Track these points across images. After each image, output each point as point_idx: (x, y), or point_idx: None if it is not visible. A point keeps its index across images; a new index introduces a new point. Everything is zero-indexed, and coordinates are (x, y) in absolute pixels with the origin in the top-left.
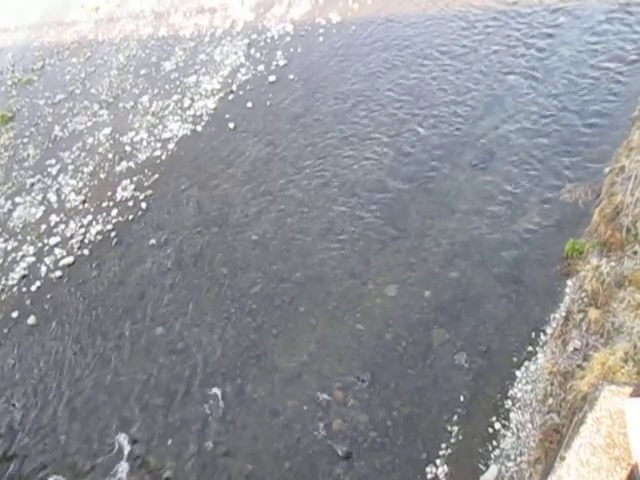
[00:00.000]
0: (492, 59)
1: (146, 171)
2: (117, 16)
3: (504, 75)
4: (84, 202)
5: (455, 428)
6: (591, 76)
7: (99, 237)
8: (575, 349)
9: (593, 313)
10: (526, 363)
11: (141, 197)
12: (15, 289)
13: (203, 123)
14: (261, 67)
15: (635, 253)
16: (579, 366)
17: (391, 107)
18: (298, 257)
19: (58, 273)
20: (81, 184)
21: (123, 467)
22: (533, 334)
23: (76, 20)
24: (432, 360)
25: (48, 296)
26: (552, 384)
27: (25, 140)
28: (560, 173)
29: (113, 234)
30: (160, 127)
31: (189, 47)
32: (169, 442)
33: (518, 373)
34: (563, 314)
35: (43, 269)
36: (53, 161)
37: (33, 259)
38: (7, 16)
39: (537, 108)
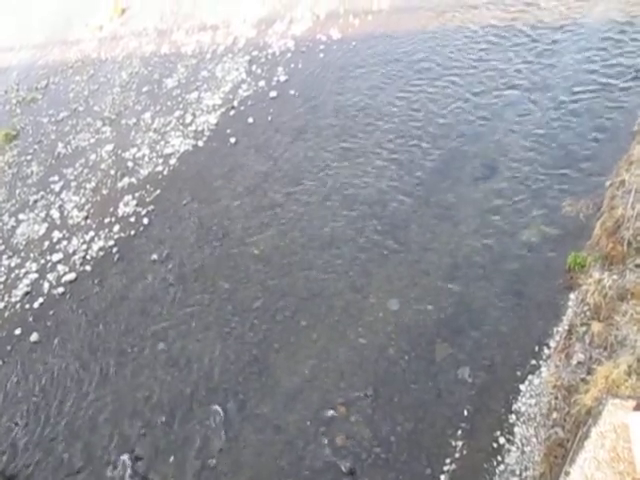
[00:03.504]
0: (492, 74)
1: (148, 186)
2: (120, 34)
3: (504, 90)
4: (86, 218)
5: (459, 443)
6: (591, 91)
7: (101, 253)
8: (579, 362)
9: (596, 326)
10: (530, 377)
11: (143, 212)
12: (18, 306)
13: (204, 138)
14: (262, 83)
15: (637, 266)
16: (583, 380)
17: (391, 121)
18: (299, 271)
19: (60, 289)
20: (83, 200)
21: None
22: (536, 348)
23: (80, 39)
24: (435, 374)
25: (51, 313)
26: (556, 398)
27: (29, 157)
28: (562, 186)
29: (115, 250)
30: (162, 143)
31: (191, 64)
32: (171, 459)
33: (522, 387)
34: (566, 327)
35: (46, 286)
36: (56, 178)
37: (36, 276)
38: (12, 35)
39: (538, 122)
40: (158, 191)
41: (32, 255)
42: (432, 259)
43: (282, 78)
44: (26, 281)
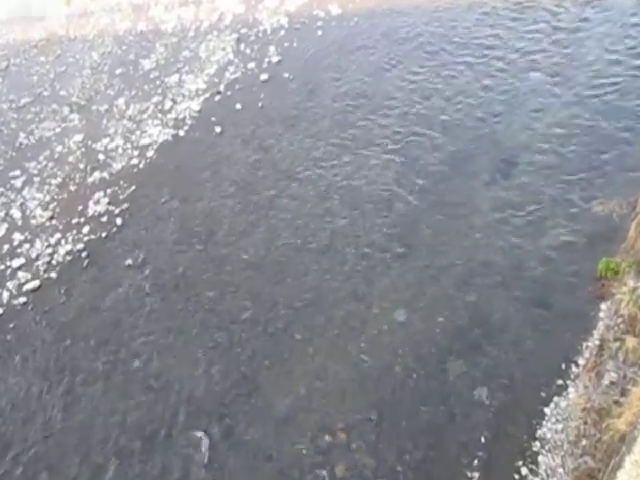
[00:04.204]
0: (512, 54)
1: (122, 182)
2: (91, 10)
3: (526, 72)
4: (52, 218)
5: (475, 474)
6: (623, 75)
7: (68, 258)
8: (611, 382)
9: (631, 341)
10: (555, 399)
11: (116, 212)
12: None
13: (186, 127)
14: (252, 64)
15: None
16: (616, 402)
17: (397, 109)
18: (294, 278)
19: (22, 299)
20: (49, 198)
21: None
22: (563, 365)
23: (45, 15)
24: (448, 395)
25: (11, 325)
26: (585, 423)
27: None
28: (591, 183)
29: (84, 254)
30: (138, 132)
31: (171, 43)
32: None
33: (547, 410)
34: (597, 342)
35: (5, 295)
36: (17, 172)
37: None
38: None
39: (564, 109)
40: (133, 187)
41: None
42: (443, 264)
43: (274, 59)
44: None
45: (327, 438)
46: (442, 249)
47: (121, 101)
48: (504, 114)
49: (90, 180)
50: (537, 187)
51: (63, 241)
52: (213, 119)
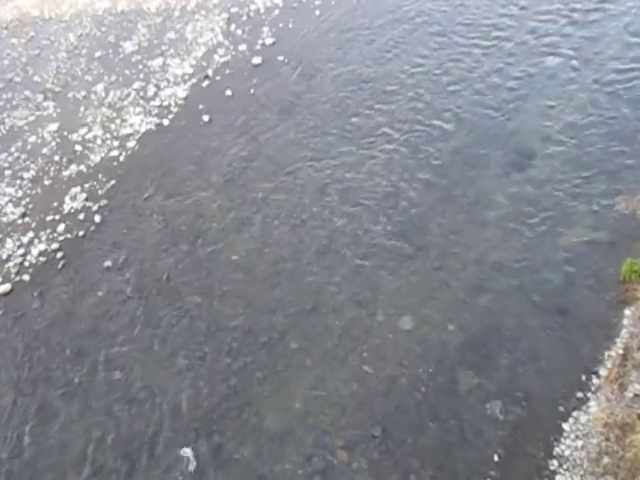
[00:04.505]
0: (528, 36)
1: (100, 176)
2: None
3: (544, 56)
4: (24, 215)
5: None
6: None
7: (42, 259)
8: (635, 395)
9: None
10: (575, 413)
11: (94, 208)
12: None
13: (171, 116)
14: (243, 47)
15: None
16: None
17: (402, 95)
18: (289, 282)
19: None
20: (21, 193)
21: None
22: (583, 377)
23: None
24: (459, 410)
25: None
26: (607, 439)
27: None
28: (614, 177)
29: (60, 255)
30: (118, 121)
31: (154, 24)
32: None
33: (565, 426)
34: (620, 352)
35: None
36: None
37: None
38: None
39: (584, 96)
40: (113, 182)
41: None
42: (454, 267)
43: (268, 41)
44: None
45: (326, 457)
46: (452, 250)
47: (100, 87)
48: (519, 101)
49: (66, 174)
50: (555, 181)
51: (36, 241)
52: (201, 107)
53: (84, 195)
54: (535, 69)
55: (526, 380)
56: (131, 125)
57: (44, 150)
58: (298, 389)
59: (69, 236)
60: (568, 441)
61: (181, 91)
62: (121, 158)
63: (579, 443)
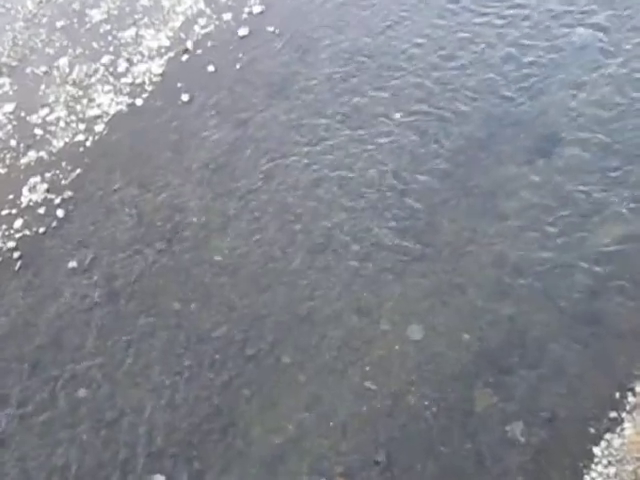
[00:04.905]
0: (555, 3)
1: (64, 164)
2: None
3: (573, 27)
4: None
5: None
6: None
7: None
8: None
9: None
10: (608, 436)
11: (57, 201)
12: None
13: (145, 95)
14: (228, 16)
15: None
16: None
17: (410, 72)
18: (280, 285)
19: None
20: None
21: None
22: (617, 394)
23: None
24: (474, 432)
25: None
26: None
27: None
28: None
29: (16, 255)
30: (84, 101)
31: None
32: None
33: (596, 450)
34: None
35: None
36: None
37: None
38: None
39: (619, 72)
40: (79, 170)
41: None
42: (470, 268)
43: (256, 9)
44: None
45: None
46: (467, 248)
47: (63, 62)
48: (544, 78)
49: (24, 161)
50: (585, 170)
51: None
52: (179, 85)
53: (45, 186)
54: (563, 41)
55: (551, 398)
56: (99, 105)
57: None
58: (291, 408)
59: (28, 233)
60: (599, 468)
61: (156, 67)
62: (88, 143)
63: (612, 470)
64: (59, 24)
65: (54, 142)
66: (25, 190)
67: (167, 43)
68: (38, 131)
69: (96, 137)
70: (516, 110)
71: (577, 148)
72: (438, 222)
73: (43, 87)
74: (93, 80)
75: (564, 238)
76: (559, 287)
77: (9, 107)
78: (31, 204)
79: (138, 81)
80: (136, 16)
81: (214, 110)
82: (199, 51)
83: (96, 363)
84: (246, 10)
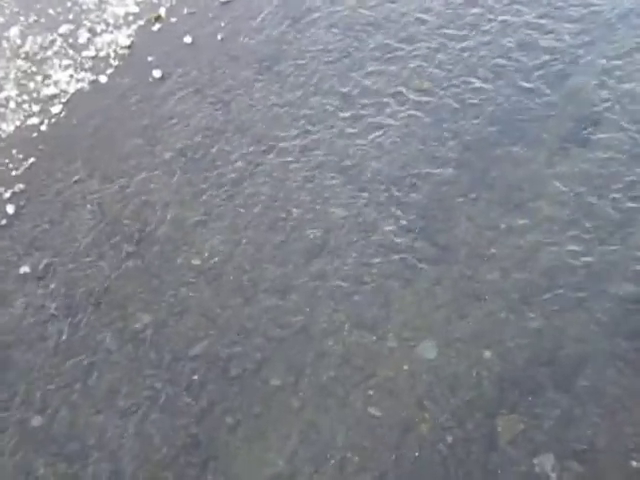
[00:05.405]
0: None
1: (15, 152)
2: None
3: None
4: None
5: None
6: None
7: None
8: None
9: None
10: None
11: (6, 195)
12: None
13: (110, 71)
14: None
15: None
16: None
17: (422, 43)
18: (269, 294)
19: None
20: None
21: None
22: None
23: None
24: (498, 466)
25: None
26: None
27: None
28: None
29: None
30: (39, 78)
31: None
32: None
33: None
34: None
35: None
36: None
37: None
38: None
39: None
40: (32, 159)
41: None
42: (491, 274)
43: None
44: None
45: None
46: (489, 251)
47: (14, 32)
48: (580, 51)
49: None
50: (627, 160)
51: None
52: (150, 59)
53: None
54: (602, 8)
55: (587, 426)
56: (56, 83)
57: None
58: (281, 439)
59: None
60: None
61: (124, 37)
62: (43, 127)
63: None
64: None
65: (3, 126)
66: None
67: (136, 10)
68: None
69: (52, 120)
70: (546, 88)
71: (617, 135)
72: (454, 219)
73: None
74: (49, 53)
75: (602, 239)
76: (596, 296)
77: None
78: None
79: (102, 54)
80: None
81: (191, 88)
82: (173, 19)
83: (53, 386)
84: None
